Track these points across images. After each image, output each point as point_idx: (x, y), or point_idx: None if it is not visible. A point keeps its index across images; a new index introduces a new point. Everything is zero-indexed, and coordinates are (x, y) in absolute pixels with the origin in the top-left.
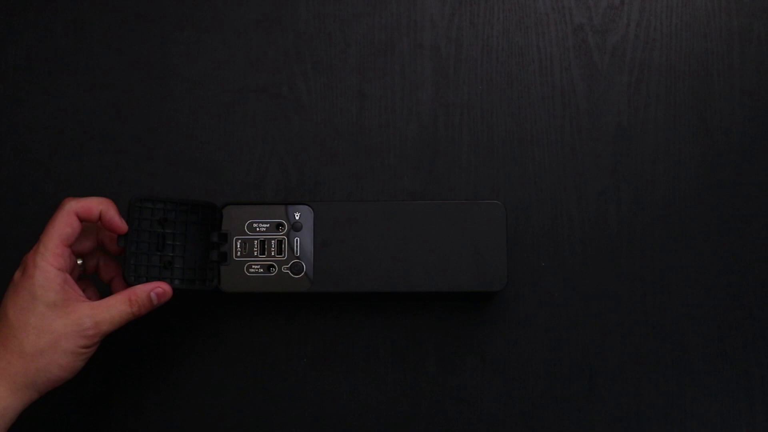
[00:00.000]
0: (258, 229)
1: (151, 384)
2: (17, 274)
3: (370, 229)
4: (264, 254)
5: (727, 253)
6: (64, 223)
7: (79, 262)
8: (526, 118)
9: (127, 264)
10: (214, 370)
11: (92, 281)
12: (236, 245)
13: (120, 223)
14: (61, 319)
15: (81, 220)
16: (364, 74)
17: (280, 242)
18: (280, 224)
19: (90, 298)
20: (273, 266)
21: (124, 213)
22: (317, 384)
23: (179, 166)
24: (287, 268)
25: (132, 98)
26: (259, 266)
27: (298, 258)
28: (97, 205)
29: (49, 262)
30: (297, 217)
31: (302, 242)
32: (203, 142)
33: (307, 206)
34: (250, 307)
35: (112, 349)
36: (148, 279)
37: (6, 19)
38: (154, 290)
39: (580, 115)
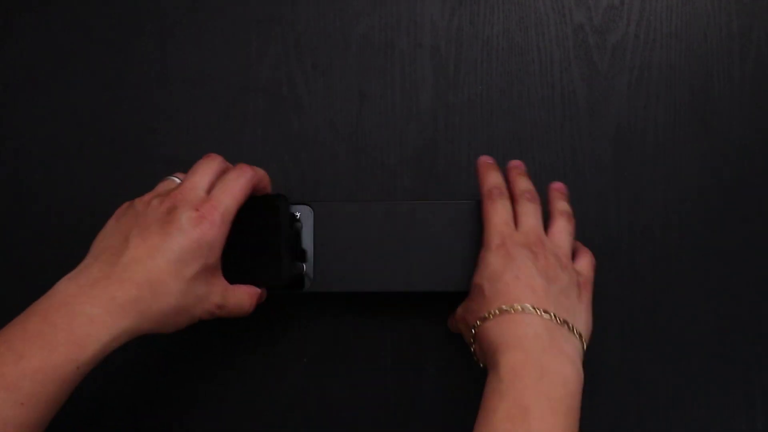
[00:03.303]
0: None
1: (150, 384)
2: (190, 216)
3: (370, 229)
4: None
5: (727, 253)
6: (245, 193)
7: None
8: (526, 118)
9: (284, 260)
10: (214, 370)
11: None
12: None
13: None
14: (201, 283)
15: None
16: (364, 74)
17: None
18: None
19: None
20: None
21: None
22: (317, 384)
23: (179, 166)
24: None
25: (132, 98)
26: None
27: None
28: (267, 180)
29: (227, 227)
30: (297, 217)
31: (302, 242)
32: (203, 142)
33: (307, 206)
34: None
35: None
36: None
37: (6, 19)
38: (261, 292)
39: (580, 115)
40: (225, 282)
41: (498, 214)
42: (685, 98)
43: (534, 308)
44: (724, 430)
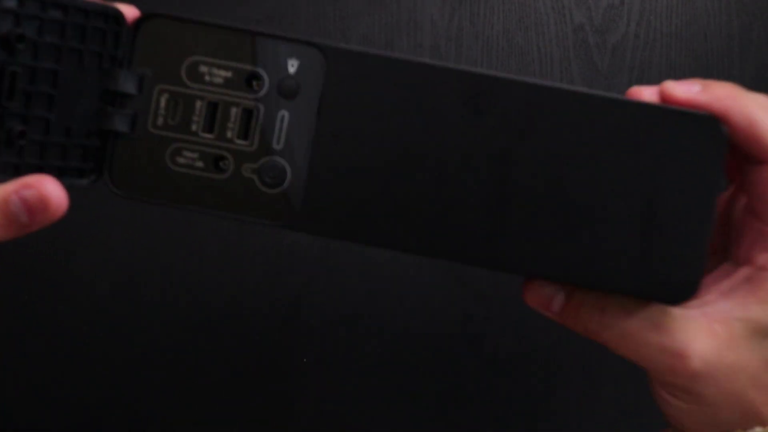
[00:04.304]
0: (208, 78)
1: (148, 384)
2: None
3: (435, 123)
4: (212, 133)
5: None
6: None
7: None
8: None
9: None
10: (213, 370)
11: None
12: (158, 103)
13: None
14: None
15: None
16: None
17: (248, 113)
18: (255, 76)
19: None
20: (225, 159)
21: None
22: (317, 384)
23: None
24: (254, 170)
25: None
26: (197, 154)
27: (279, 153)
28: None
29: None
30: (291, 70)
31: (293, 122)
32: None
33: (315, 49)
34: (249, 306)
35: (110, 348)
36: None
37: None
38: (20, 192)
39: None
40: None
41: None
42: None
43: None
44: None
